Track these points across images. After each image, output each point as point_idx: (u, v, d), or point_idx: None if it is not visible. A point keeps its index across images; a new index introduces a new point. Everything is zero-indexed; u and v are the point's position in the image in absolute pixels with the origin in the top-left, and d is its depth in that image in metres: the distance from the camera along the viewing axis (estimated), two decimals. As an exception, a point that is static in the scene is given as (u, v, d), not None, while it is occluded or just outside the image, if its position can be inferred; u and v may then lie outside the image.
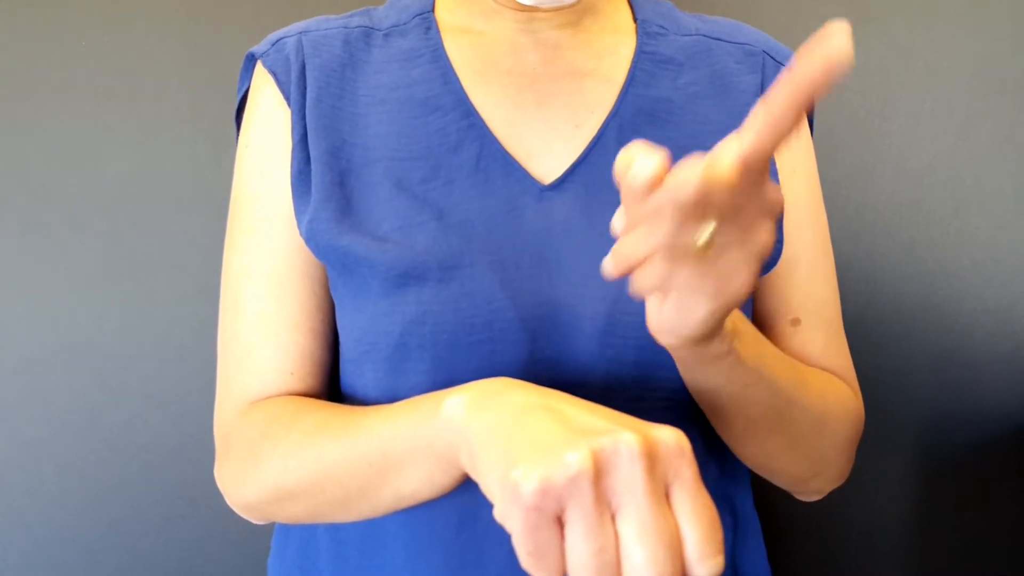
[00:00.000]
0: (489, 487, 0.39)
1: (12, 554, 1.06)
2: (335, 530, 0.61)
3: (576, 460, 0.34)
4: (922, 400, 1.08)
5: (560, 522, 0.35)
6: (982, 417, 1.08)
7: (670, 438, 0.36)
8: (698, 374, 0.50)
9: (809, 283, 0.63)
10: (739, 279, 0.40)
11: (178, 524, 1.07)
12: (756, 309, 0.64)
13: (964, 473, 1.09)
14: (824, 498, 0.65)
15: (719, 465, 0.61)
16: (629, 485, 0.35)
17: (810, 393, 0.56)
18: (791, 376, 0.54)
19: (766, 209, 0.39)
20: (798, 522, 1.10)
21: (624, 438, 0.35)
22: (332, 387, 0.63)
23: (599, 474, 0.34)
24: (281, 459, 0.53)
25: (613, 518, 0.35)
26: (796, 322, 0.62)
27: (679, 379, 0.55)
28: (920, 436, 1.09)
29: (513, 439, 0.38)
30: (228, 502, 0.59)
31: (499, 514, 0.36)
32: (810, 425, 0.56)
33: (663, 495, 0.35)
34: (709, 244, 0.38)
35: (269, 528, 1.05)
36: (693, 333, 0.43)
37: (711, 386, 0.51)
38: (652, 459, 0.35)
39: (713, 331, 0.44)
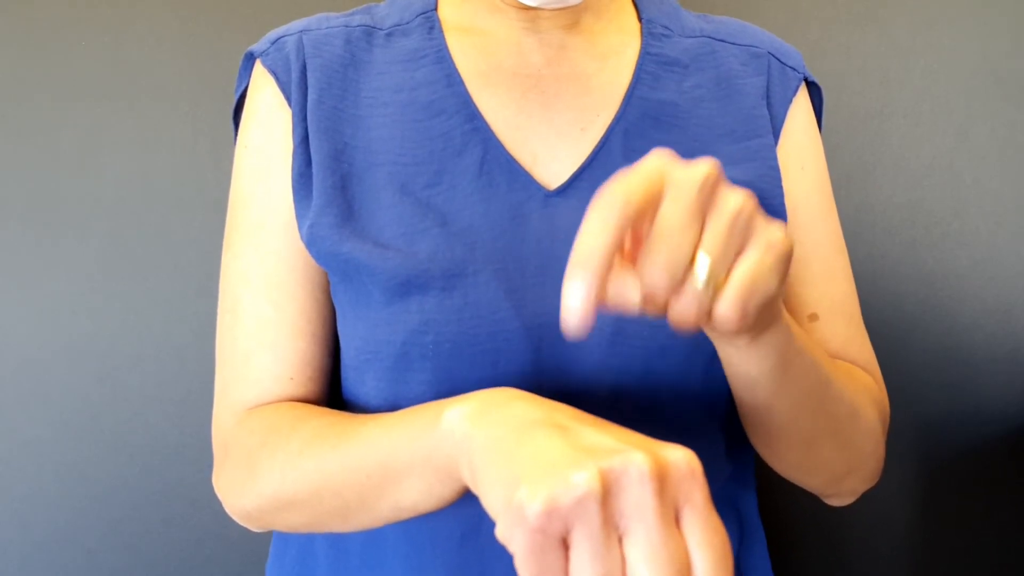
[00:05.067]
0: (491, 505, 0.37)
1: (12, 554, 1.06)
2: (335, 539, 0.60)
3: (583, 481, 0.33)
4: (922, 400, 1.08)
5: (565, 544, 0.34)
6: (982, 417, 1.08)
7: (681, 459, 0.35)
8: (744, 355, 0.47)
9: (824, 279, 0.62)
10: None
11: (178, 524, 1.07)
12: None
13: (964, 473, 1.09)
14: (823, 499, 0.64)
15: (728, 471, 0.61)
16: (638, 507, 0.34)
17: (842, 378, 0.54)
18: (827, 361, 0.52)
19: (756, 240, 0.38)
20: (800, 525, 1.10)
21: (634, 458, 0.34)
22: (334, 393, 0.62)
23: (607, 495, 0.33)
24: (279, 469, 0.52)
25: (620, 541, 0.34)
26: (814, 317, 0.62)
27: (688, 387, 0.54)
28: (920, 436, 1.09)
29: (516, 456, 0.37)
30: (226, 510, 0.58)
31: (501, 534, 0.35)
32: (847, 411, 0.53)
33: (672, 518, 0.34)
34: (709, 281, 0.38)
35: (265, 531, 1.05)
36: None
37: (757, 366, 0.47)
38: (662, 481, 0.34)
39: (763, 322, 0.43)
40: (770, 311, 0.42)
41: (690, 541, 0.34)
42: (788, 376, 0.48)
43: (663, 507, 0.34)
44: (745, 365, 0.47)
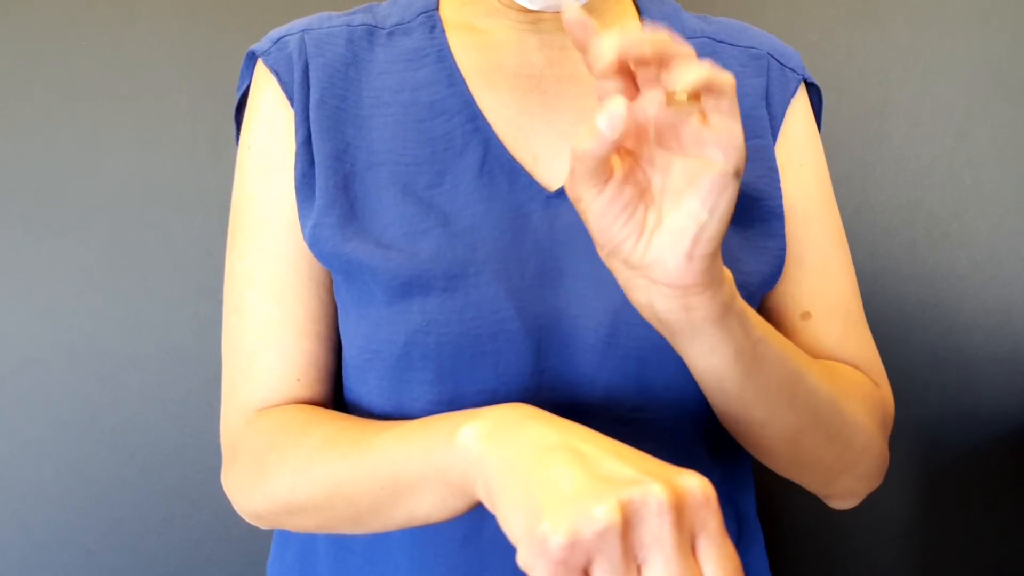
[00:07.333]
0: (511, 531, 0.38)
1: (12, 554, 1.06)
2: (338, 537, 0.60)
3: (604, 514, 0.34)
4: (922, 400, 1.08)
5: (586, 573, 0.35)
6: (982, 417, 1.08)
7: (696, 487, 0.36)
8: (706, 341, 0.46)
9: (820, 277, 0.62)
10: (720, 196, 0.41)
11: (178, 524, 1.07)
12: (763, 307, 0.64)
13: (964, 473, 1.09)
14: (824, 500, 0.64)
15: (724, 470, 0.61)
16: (657, 538, 0.35)
17: (820, 374, 0.54)
18: (798, 354, 0.52)
19: (714, 138, 0.40)
20: (799, 525, 1.10)
21: (652, 490, 0.35)
22: (337, 392, 0.62)
23: (627, 528, 0.35)
24: (290, 474, 0.52)
25: (639, 569, 0.35)
26: (806, 316, 0.62)
27: (682, 388, 0.55)
28: (920, 436, 1.09)
29: (535, 482, 0.38)
30: (236, 509, 0.59)
31: (523, 562, 0.36)
32: (826, 404, 0.53)
33: (689, 547, 0.36)
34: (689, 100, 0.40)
35: (269, 529, 1.05)
36: (682, 262, 0.42)
37: (721, 354, 0.47)
38: (680, 511, 0.35)
39: (704, 271, 0.42)
40: (719, 273, 0.44)
41: (705, 568, 0.36)
42: (752, 365, 0.49)
43: (680, 537, 0.35)
44: (706, 358, 0.48)
